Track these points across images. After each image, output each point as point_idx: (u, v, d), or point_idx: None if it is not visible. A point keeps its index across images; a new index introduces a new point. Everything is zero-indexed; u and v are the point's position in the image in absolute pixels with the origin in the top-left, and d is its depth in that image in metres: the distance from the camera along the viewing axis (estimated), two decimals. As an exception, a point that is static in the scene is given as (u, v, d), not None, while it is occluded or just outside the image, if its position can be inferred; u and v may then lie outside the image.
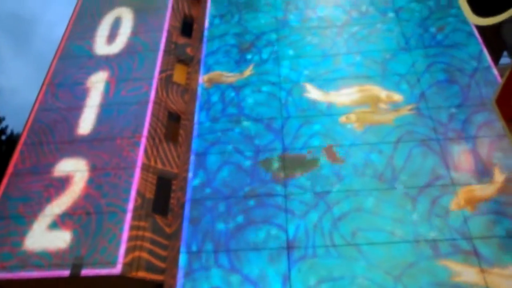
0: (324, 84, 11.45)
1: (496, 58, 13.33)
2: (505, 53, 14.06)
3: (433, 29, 12.15)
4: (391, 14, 12.76)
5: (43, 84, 13.05)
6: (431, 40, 11.92)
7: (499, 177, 9.18)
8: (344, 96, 11.11)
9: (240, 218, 9.39)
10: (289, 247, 8.83)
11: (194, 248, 9.07)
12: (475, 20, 2.55)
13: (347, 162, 9.90)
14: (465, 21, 12.05)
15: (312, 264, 8.54)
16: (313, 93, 11.29)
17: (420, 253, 8.42)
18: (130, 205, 9.93)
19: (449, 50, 11.62)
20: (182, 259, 8.91)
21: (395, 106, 10.73)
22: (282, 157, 10.16)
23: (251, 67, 12.16)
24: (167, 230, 10.25)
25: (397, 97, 10.89)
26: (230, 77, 12.05)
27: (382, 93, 11.01)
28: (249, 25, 13.33)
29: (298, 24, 13.03)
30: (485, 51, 11.47)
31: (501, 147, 9.57)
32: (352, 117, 10.73)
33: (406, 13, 12.71)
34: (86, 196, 10.27)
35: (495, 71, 11.09)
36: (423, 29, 12.25)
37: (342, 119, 10.73)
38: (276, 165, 10.08)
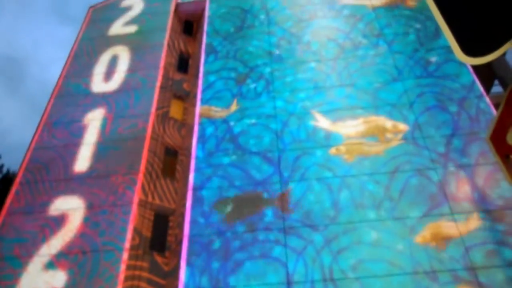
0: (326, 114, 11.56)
1: (487, 87, 13.55)
2: (496, 81, 14.30)
3: (424, 61, 12.38)
4: (383, 46, 13.02)
5: (39, 123, 13.09)
6: (423, 71, 12.12)
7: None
8: (350, 127, 11.12)
9: (239, 255, 9.26)
10: (289, 282, 8.68)
11: (192, 287, 8.90)
12: (464, 58, 2.60)
13: (344, 193, 9.86)
14: (455, 52, 12.28)
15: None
16: (321, 121, 11.31)
17: (419, 285, 8.29)
18: (127, 244, 9.79)
19: (441, 80, 11.81)
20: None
21: (391, 137, 10.79)
22: (281, 195, 10.09)
23: (245, 100, 12.29)
24: (165, 268, 10.07)
25: (402, 126, 10.92)
26: (225, 111, 12.16)
27: (388, 123, 11.03)
28: (243, 59, 13.55)
29: (291, 59, 13.25)
30: (477, 81, 11.66)
31: (497, 177, 9.60)
32: (342, 148, 10.77)
33: (398, 45, 12.97)
34: (82, 235, 10.13)
35: (487, 100, 11.25)
36: (414, 61, 12.48)
37: (332, 150, 10.76)
38: (275, 198, 10.04)
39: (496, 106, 11.19)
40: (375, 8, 14.17)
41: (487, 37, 2.58)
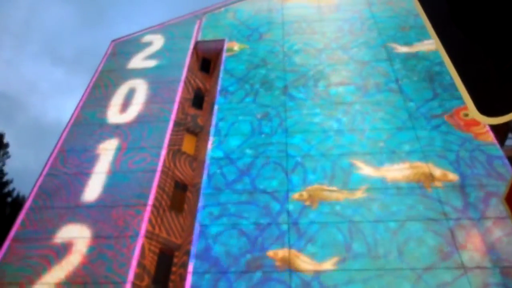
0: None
1: (502, 140, 13.46)
2: (510, 134, 14.22)
3: (438, 111, 12.41)
4: (396, 94, 13.12)
5: (53, 150, 13.27)
6: (437, 121, 12.13)
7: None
8: (396, 171, 11.00)
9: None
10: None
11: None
12: (479, 117, 2.61)
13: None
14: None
15: None
16: (365, 169, 11.16)
17: None
18: (130, 277, 9.65)
19: (453, 130, 11.79)
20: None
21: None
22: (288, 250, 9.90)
23: (259, 138, 12.37)
24: (166, 305, 9.87)
25: (452, 176, 10.72)
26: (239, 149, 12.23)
27: (436, 172, 10.84)
28: (258, 100, 13.73)
29: (307, 101, 13.40)
30: (491, 133, 11.62)
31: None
32: (304, 194, 10.68)
33: (413, 94, 13.06)
34: (86, 265, 10.03)
35: (501, 152, 11.16)
36: (427, 109, 12.52)
37: (295, 196, 10.66)
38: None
39: (509, 158, 11.09)
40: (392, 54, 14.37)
41: (504, 97, 2.59)
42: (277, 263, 9.49)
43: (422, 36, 14.72)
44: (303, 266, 9.37)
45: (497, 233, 9.43)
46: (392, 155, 11.36)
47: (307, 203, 10.53)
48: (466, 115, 12.00)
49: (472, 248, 9.26)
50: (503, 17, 2.62)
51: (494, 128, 12.16)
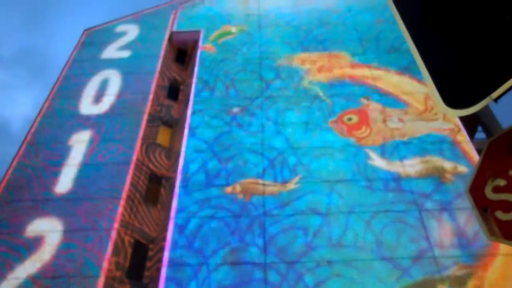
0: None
1: (472, 133, 13.84)
2: (480, 128, 14.63)
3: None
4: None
5: (23, 141, 12.93)
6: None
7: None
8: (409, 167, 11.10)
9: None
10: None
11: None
12: (445, 109, 2.68)
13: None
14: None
15: None
16: (377, 161, 11.29)
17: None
18: (104, 269, 9.53)
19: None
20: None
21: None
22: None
23: (235, 131, 12.37)
24: (141, 298, 9.81)
25: (461, 168, 10.93)
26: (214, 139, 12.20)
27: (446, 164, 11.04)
28: (234, 91, 13.70)
29: (282, 94, 13.46)
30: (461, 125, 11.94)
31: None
32: (237, 187, 10.79)
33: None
34: (58, 258, 9.84)
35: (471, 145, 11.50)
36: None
37: (228, 189, 10.78)
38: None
39: (479, 151, 11.41)
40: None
41: (468, 91, 2.66)
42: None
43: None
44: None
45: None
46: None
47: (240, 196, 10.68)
48: (350, 119, 12.29)
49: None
50: (470, 14, 2.69)
51: (465, 121, 12.48)
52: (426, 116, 12.25)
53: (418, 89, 12.98)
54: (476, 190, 2.61)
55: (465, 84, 2.74)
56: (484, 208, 2.56)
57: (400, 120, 12.22)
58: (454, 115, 2.61)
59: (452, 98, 2.71)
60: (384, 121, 12.22)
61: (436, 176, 10.72)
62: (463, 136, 11.69)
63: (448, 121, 12.03)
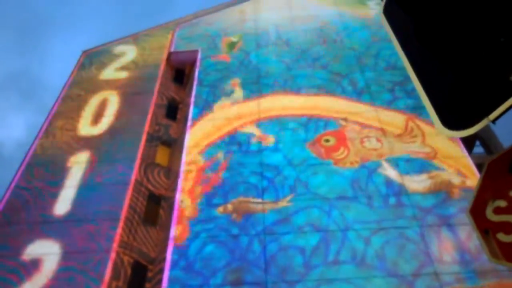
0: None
1: (470, 148, 13.87)
2: (478, 142, 14.67)
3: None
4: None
5: (22, 163, 12.90)
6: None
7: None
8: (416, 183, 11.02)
9: None
10: None
11: None
12: (443, 131, 2.69)
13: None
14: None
15: None
16: (389, 171, 11.25)
17: None
18: (102, 293, 9.41)
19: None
20: None
21: None
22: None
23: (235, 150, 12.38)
24: (140, 321, 9.66)
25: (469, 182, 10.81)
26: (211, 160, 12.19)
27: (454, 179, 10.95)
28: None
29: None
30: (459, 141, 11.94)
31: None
32: (229, 207, 10.77)
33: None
34: (54, 281, 9.72)
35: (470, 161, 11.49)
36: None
37: (219, 209, 10.74)
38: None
39: (478, 166, 11.42)
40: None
41: (466, 112, 2.68)
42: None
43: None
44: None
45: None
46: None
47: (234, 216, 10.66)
48: (327, 140, 12.32)
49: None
50: (466, 36, 2.72)
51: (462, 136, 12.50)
52: (405, 138, 12.24)
53: (398, 119, 12.87)
54: (477, 211, 2.60)
55: (463, 105, 2.76)
56: (485, 230, 2.55)
57: (378, 140, 12.20)
58: (452, 136, 2.62)
59: (449, 120, 2.72)
60: (362, 142, 12.21)
61: (444, 191, 10.69)
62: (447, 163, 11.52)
63: (425, 145, 11.98)
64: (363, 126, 12.64)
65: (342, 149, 12.00)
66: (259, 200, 10.92)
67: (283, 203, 10.78)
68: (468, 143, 13.58)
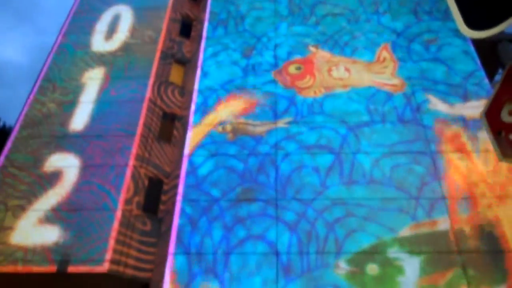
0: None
1: (491, 74, 13.47)
2: (500, 70, 14.19)
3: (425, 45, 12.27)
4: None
5: (37, 78, 12.98)
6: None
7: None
8: None
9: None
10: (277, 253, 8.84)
11: (184, 249, 9.03)
12: (466, 31, 2.58)
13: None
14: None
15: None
16: (439, 105, 10.97)
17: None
18: (120, 203, 9.86)
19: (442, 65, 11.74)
20: (177, 259, 8.87)
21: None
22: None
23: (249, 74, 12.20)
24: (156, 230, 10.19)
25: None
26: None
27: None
28: (248, 28, 13.36)
29: (297, 28, 13.09)
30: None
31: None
32: (228, 127, 10.79)
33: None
34: (75, 193, 10.16)
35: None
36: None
37: (218, 129, 10.79)
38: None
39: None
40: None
41: (491, 12, 2.55)
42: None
43: None
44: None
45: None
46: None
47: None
48: (299, 68, 11.88)
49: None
50: None
51: (485, 63, 12.10)
52: (374, 67, 11.89)
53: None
54: (491, 113, 2.57)
55: (488, 5, 2.62)
56: (498, 131, 2.54)
57: (347, 70, 11.88)
58: (475, 36, 2.52)
59: (473, 20, 2.60)
60: (330, 70, 11.90)
61: None
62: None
63: (394, 76, 11.58)
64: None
65: (308, 77, 11.73)
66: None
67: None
68: (490, 69, 13.16)
